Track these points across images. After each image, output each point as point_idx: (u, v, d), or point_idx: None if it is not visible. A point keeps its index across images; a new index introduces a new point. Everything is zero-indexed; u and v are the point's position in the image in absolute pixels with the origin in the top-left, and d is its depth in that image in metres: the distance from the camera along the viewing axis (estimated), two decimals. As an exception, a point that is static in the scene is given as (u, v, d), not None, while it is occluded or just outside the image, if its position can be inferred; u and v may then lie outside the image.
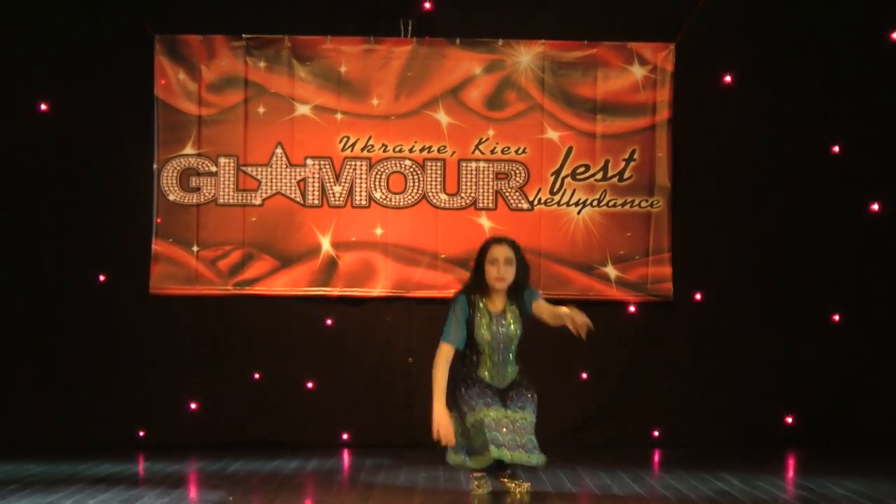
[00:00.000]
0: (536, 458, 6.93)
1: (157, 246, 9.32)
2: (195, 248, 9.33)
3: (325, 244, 9.34)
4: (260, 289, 9.35)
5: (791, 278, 9.49)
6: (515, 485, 7.20)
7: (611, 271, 9.36)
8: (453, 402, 7.14)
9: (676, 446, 9.29)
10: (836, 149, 9.48)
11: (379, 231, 9.35)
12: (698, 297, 9.47)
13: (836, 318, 9.49)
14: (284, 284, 9.35)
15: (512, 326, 7.19)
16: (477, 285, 7.19)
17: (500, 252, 7.15)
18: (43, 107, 9.34)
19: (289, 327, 9.39)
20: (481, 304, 7.17)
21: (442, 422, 7.04)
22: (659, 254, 9.38)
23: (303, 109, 9.36)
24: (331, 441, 9.26)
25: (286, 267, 9.34)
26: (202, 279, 9.33)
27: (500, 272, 7.10)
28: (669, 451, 9.21)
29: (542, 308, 7.21)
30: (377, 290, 9.36)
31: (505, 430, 6.92)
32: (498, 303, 7.21)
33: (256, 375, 9.37)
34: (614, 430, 9.39)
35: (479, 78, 9.39)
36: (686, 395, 9.44)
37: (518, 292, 7.23)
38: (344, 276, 9.33)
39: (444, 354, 7.14)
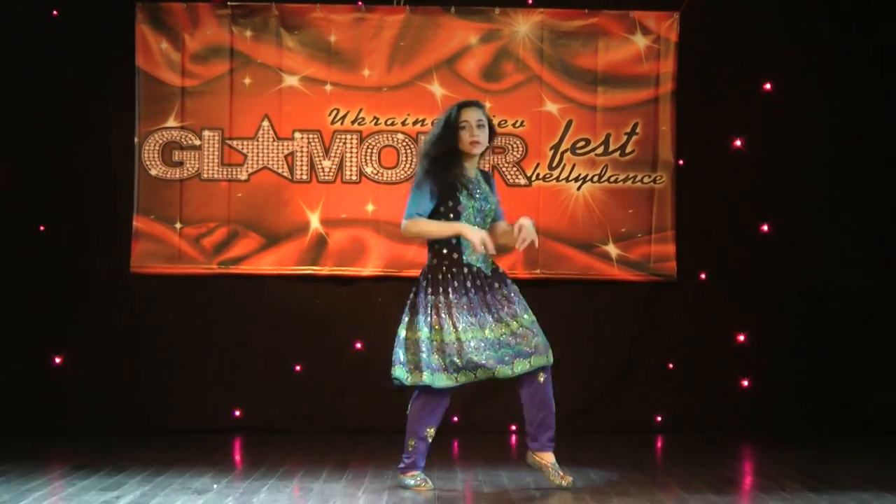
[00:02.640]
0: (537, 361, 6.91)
1: (137, 223, 9.32)
2: (178, 226, 9.34)
3: (314, 221, 9.36)
4: (246, 268, 9.37)
5: (800, 257, 9.54)
6: (561, 476, 7.07)
7: (612, 250, 9.38)
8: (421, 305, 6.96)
9: (680, 432, 9.36)
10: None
11: (370, 207, 9.38)
12: (703, 276, 9.51)
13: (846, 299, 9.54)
14: (271, 263, 9.37)
15: (488, 193, 7.09)
16: (446, 153, 6.96)
17: (472, 115, 6.97)
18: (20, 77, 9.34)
19: (276, 308, 9.40)
20: (454, 171, 6.95)
21: (478, 233, 6.86)
22: (662, 231, 9.42)
23: (291, 80, 9.37)
24: (319, 426, 9.27)
25: (273, 245, 9.37)
26: (185, 258, 9.34)
27: (475, 135, 6.93)
28: (673, 436, 9.27)
29: (496, 226, 7.15)
30: (368, 269, 9.38)
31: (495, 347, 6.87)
32: (469, 171, 7.06)
33: (242, 358, 9.38)
34: (615, 415, 9.41)
35: (474, 48, 9.41)
36: (690, 378, 9.48)
37: (485, 171, 7.24)
38: (333, 254, 9.35)
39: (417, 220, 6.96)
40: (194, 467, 7.79)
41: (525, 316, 6.96)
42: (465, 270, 6.94)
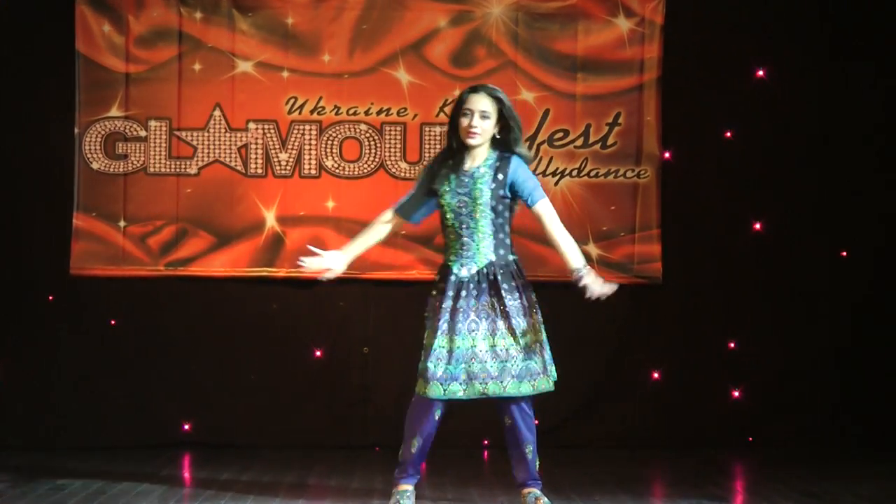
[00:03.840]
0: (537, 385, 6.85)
1: (78, 221, 9.24)
2: (122, 224, 9.27)
3: (270, 219, 9.31)
4: (195, 269, 9.32)
5: (796, 258, 9.55)
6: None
7: (592, 250, 9.31)
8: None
9: (667, 447, 9.32)
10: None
11: (331, 204, 9.32)
12: (691, 278, 9.47)
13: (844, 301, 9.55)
14: (223, 264, 9.33)
15: (478, 184, 6.83)
16: (449, 145, 6.89)
17: (476, 102, 6.80)
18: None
19: (228, 313, 9.37)
20: (450, 163, 6.85)
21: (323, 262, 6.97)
22: (647, 230, 9.39)
23: (244, 66, 9.31)
24: (276, 442, 9.22)
25: (225, 245, 9.32)
26: (130, 258, 9.27)
27: (472, 124, 6.77)
28: (659, 452, 9.24)
29: (543, 218, 7.02)
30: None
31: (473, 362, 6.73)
32: (471, 162, 6.88)
33: (191, 367, 9.31)
34: (596, 430, 9.41)
35: (444, 31, 9.37)
36: (677, 389, 9.46)
37: (506, 156, 6.89)
38: (291, 254, 9.17)
39: (380, 216, 7.06)
40: (140, 485, 7.74)
41: (510, 339, 6.80)
42: (453, 278, 6.84)
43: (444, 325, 6.72)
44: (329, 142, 9.32)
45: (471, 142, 6.80)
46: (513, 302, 6.79)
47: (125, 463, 8.52)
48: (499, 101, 6.81)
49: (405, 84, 9.32)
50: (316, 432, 9.27)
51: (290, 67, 9.30)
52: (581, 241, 8.96)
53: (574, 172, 9.37)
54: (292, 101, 9.31)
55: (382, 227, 7.04)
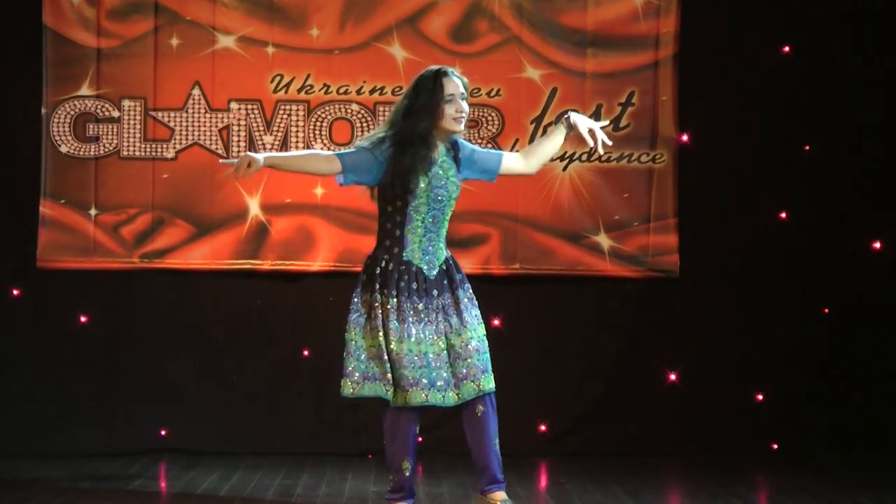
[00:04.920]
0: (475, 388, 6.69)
1: (45, 208, 9.23)
2: (93, 212, 9.24)
3: (254, 207, 9.29)
4: (173, 261, 9.30)
5: (824, 250, 9.52)
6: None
7: (603, 241, 9.34)
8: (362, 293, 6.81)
9: (683, 454, 9.31)
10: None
11: (319, 191, 9.25)
12: (709, 272, 9.45)
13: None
14: (203, 256, 9.30)
15: (449, 177, 6.82)
16: (423, 133, 6.72)
17: (455, 86, 6.77)
18: None
19: (208, 309, 9.38)
20: (422, 153, 6.71)
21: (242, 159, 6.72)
22: (662, 220, 9.39)
23: (226, 41, 9.26)
24: (259, 448, 9.21)
25: (205, 235, 9.30)
26: (101, 249, 9.24)
27: (462, 109, 6.76)
28: (674, 459, 9.24)
29: (515, 159, 7.05)
30: (317, 263, 9.30)
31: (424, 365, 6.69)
32: (438, 151, 6.85)
33: (168, 367, 9.32)
34: (608, 434, 9.39)
35: (442, 4, 9.37)
36: (694, 391, 9.44)
37: (465, 149, 6.96)
38: (276, 246, 9.26)
39: (322, 151, 7.01)
40: (112, 497, 7.73)
41: (471, 332, 6.79)
42: (403, 268, 6.78)
43: (411, 329, 6.69)
44: (318, 123, 9.25)
45: (459, 127, 6.80)
46: (464, 294, 6.84)
47: (96, 471, 8.50)
48: (464, 84, 6.86)
49: (400, 60, 9.28)
50: (303, 438, 9.25)
51: (276, 42, 9.23)
52: (591, 231, 9.39)
53: (584, 157, 9.32)
54: (278, 79, 9.24)
55: (320, 160, 6.78)
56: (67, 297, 9.24)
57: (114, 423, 9.19)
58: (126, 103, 9.22)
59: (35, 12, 9.15)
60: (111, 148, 9.21)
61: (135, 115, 9.22)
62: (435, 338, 6.72)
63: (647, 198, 9.34)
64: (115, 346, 9.26)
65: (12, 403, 9.16)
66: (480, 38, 9.31)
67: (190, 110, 9.24)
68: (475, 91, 9.21)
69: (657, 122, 9.35)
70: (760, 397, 9.40)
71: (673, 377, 9.40)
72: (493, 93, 9.29)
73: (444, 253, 6.86)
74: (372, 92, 9.24)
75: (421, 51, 9.24)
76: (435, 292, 6.77)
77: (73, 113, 9.19)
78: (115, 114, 9.21)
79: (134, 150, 9.22)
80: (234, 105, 9.24)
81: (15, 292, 9.21)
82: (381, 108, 9.21)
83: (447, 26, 9.30)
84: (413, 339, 6.67)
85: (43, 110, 9.18)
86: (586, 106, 9.30)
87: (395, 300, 6.70)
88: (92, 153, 9.20)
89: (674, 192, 9.34)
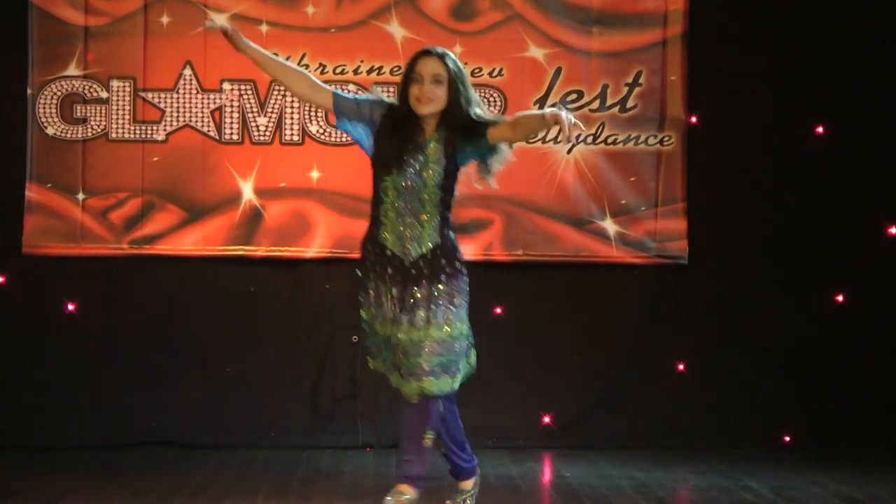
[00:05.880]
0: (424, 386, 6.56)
1: (31, 193, 9.27)
2: (80, 196, 9.28)
3: (247, 191, 9.31)
4: (163, 248, 9.33)
5: (837, 235, 9.53)
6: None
7: (609, 226, 9.39)
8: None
9: (691, 447, 9.33)
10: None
11: (315, 175, 9.28)
12: (719, 258, 9.49)
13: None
14: (195, 242, 9.35)
15: (429, 167, 6.67)
16: (398, 111, 6.69)
17: (427, 67, 6.63)
18: None
19: (200, 296, 9.40)
20: (399, 136, 6.65)
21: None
22: (671, 204, 9.43)
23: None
24: (254, 441, 9.22)
25: (197, 220, 9.33)
26: (89, 235, 9.29)
27: (424, 90, 6.60)
28: (683, 452, 9.22)
29: (501, 129, 6.63)
30: (313, 249, 9.32)
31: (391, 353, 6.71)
32: (423, 136, 6.72)
33: (159, 358, 9.34)
34: (614, 427, 9.42)
35: None
36: (705, 382, 9.47)
37: (456, 130, 6.69)
38: (271, 231, 9.29)
39: (319, 79, 6.85)
40: (99, 492, 7.74)
41: (443, 328, 6.63)
42: (378, 251, 6.75)
43: (388, 313, 6.68)
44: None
45: (422, 110, 6.65)
46: (446, 289, 6.65)
47: (85, 465, 8.53)
48: (452, 65, 6.69)
49: (399, 39, 9.31)
50: (299, 430, 9.27)
51: (270, 20, 9.24)
52: (597, 216, 9.40)
53: (589, 139, 9.36)
54: (273, 58, 9.29)
55: (311, 83, 6.76)
56: (54, 284, 9.26)
57: (103, 415, 9.19)
58: (115, 84, 9.24)
59: (20, -12, 9.23)
60: (99, 130, 9.24)
61: (124, 95, 9.25)
62: (408, 327, 6.61)
63: (654, 181, 9.38)
64: (103, 335, 9.27)
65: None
66: (482, 15, 9.34)
67: (181, 91, 9.27)
68: (476, 70, 9.25)
69: (665, 103, 9.38)
70: (771, 388, 9.42)
71: (681, 367, 9.43)
72: (494, 72, 9.33)
73: (431, 241, 6.69)
74: (370, 72, 9.27)
75: (420, 29, 9.26)
76: (413, 281, 6.66)
77: (59, 93, 9.23)
78: (104, 94, 9.24)
79: (123, 133, 9.24)
80: (226, 86, 9.28)
81: (0, 280, 9.27)
82: (378, 88, 8.84)
83: (448, 4, 9.34)
84: (391, 323, 6.64)
85: (28, 91, 9.21)
86: (592, 86, 9.36)
87: (372, 283, 6.71)
88: (79, 135, 9.23)
89: (682, 175, 9.39)
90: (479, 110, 6.68)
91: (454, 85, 6.65)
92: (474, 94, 6.73)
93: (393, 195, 6.67)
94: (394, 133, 6.67)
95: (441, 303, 6.63)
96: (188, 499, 7.48)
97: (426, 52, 6.71)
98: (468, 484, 6.93)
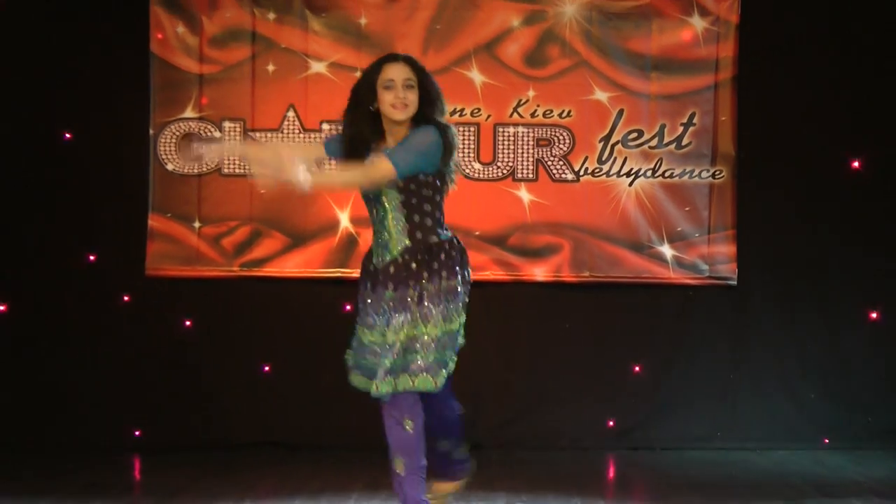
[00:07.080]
0: (380, 386, 6.33)
1: (153, 222, 9.51)
2: (196, 224, 9.55)
3: (344, 220, 9.53)
4: (269, 270, 9.54)
5: (875, 261, 9.65)
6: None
7: (666, 250, 9.58)
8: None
9: (745, 449, 9.52)
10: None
11: None
12: (767, 279, 9.64)
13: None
14: (297, 265, 9.56)
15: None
16: (363, 121, 6.41)
17: (398, 72, 6.36)
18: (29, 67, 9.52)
19: (302, 313, 9.52)
20: (364, 140, 6.44)
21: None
22: (722, 231, 9.59)
23: (318, 67, 9.55)
24: (353, 443, 9.20)
25: (299, 245, 9.57)
26: (204, 259, 9.54)
27: (399, 96, 6.33)
28: (737, 453, 9.42)
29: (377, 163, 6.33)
30: None
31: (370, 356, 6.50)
32: (391, 141, 6.45)
33: (266, 368, 9.55)
34: (671, 431, 9.60)
35: (517, 31, 9.58)
36: (757, 391, 9.67)
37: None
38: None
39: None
40: (212, 489, 8.02)
41: (400, 331, 6.36)
42: (367, 260, 6.69)
43: (369, 320, 6.52)
44: (403, 142, 9.50)
45: (399, 116, 6.37)
46: (431, 287, 6.38)
47: (199, 464, 8.83)
48: (419, 69, 6.46)
49: (478, 84, 9.52)
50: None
51: (364, 68, 9.08)
52: (655, 241, 9.43)
53: (649, 173, 9.56)
54: (366, 101, 9.51)
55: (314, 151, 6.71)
56: (174, 303, 9.47)
57: (217, 417, 9.42)
58: (226, 124, 9.49)
59: (143, 41, 9.39)
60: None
61: (235, 135, 9.48)
62: (385, 329, 6.37)
63: (707, 211, 9.50)
64: (218, 347, 9.47)
65: (122, 399, 9.40)
66: (552, 62, 9.51)
67: (285, 130, 9.47)
68: (548, 112, 9.47)
69: (717, 141, 9.51)
70: (820, 397, 9.56)
71: (731, 377, 9.58)
72: (563, 113, 9.50)
73: (400, 245, 6.43)
74: (452, 113, 9.28)
75: (498, 75, 9.45)
76: (383, 287, 6.42)
77: (178, 133, 9.47)
78: (217, 134, 9.45)
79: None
80: (325, 126, 9.42)
81: (126, 298, 9.45)
82: (460, 129, 9.28)
83: (522, 52, 9.50)
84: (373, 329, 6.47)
85: (150, 131, 9.44)
86: (651, 125, 9.51)
87: (360, 296, 6.58)
88: (195, 170, 9.49)
89: (732, 205, 9.49)
90: (443, 120, 6.42)
91: (424, 87, 6.42)
92: (440, 93, 6.47)
93: (367, 203, 6.56)
94: (344, 140, 6.48)
95: (404, 306, 6.33)
96: (289, 496, 7.70)
97: (392, 58, 6.47)
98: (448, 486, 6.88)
